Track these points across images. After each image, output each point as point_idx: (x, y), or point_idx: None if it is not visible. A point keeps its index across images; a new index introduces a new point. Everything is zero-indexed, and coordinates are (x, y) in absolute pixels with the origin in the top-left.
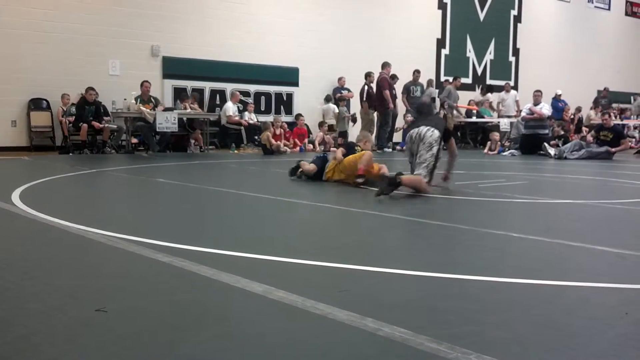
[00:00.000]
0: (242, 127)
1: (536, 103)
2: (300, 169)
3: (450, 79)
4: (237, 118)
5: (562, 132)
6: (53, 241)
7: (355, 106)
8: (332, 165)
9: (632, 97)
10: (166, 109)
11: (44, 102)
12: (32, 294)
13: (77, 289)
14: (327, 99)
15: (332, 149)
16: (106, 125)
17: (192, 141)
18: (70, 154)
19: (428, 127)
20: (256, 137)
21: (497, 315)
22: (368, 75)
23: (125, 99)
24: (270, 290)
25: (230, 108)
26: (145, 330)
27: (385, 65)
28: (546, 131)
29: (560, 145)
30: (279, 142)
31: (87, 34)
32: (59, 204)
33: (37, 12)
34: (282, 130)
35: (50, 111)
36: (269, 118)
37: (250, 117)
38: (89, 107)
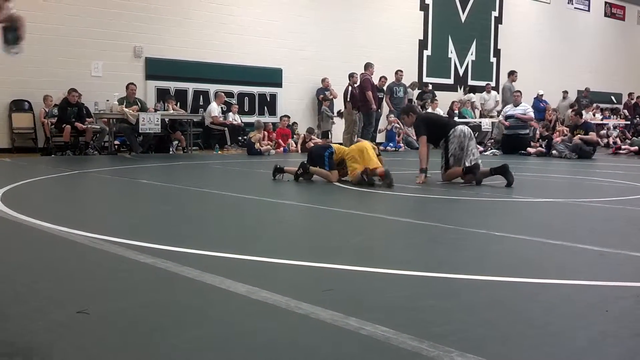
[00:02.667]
0: (226, 128)
1: (516, 104)
2: (282, 173)
3: (432, 80)
4: (221, 119)
5: (546, 133)
6: (35, 243)
7: (339, 107)
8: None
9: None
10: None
11: (26, 103)
12: (13, 297)
13: (58, 291)
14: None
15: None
16: (89, 126)
17: (175, 142)
18: (53, 155)
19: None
20: (240, 138)
21: (479, 314)
22: (351, 76)
23: (107, 100)
24: (254, 290)
25: (215, 109)
26: (127, 332)
27: (368, 66)
28: (527, 131)
29: (542, 146)
30: (267, 144)
31: (70, 36)
32: (41, 205)
33: (18, 13)
34: (265, 132)
35: (32, 112)
36: (252, 119)
37: (235, 118)
38: (71, 109)
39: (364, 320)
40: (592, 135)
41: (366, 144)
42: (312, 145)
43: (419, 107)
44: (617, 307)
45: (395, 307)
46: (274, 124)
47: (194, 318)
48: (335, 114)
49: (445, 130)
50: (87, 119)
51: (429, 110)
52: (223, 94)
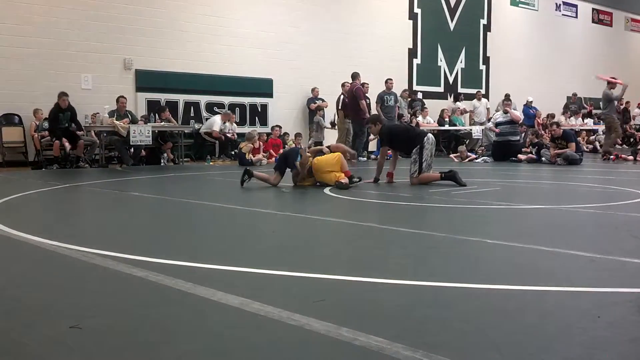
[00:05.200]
0: (217, 141)
1: (505, 111)
2: (251, 177)
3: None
4: (218, 133)
5: (536, 140)
6: (26, 257)
7: (330, 116)
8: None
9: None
10: (146, 120)
11: (16, 117)
12: (4, 312)
13: (49, 306)
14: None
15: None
16: (81, 140)
17: (165, 154)
18: (44, 169)
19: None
20: (232, 152)
21: (472, 322)
22: (343, 85)
23: (98, 113)
24: (246, 302)
25: (218, 123)
26: (119, 347)
27: (357, 76)
28: (517, 137)
29: (533, 152)
30: (258, 155)
31: (59, 49)
32: (32, 220)
33: (7, 27)
34: (260, 143)
35: (22, 126)
36: (244, 129)
37: (231, 129)
38: (63, 114)
39: (357, 330)
40: (572, 147)
41: (338, 154)
42: (288, 148)
43: (411, 115)
44: (609, 313)
45: (388, 316)
46: (266, 134)
47: (187, 331)
48: (329, 124)
49: (420, 138)
50: (78, 132)
51: (420, 118)
52: (232, 114)
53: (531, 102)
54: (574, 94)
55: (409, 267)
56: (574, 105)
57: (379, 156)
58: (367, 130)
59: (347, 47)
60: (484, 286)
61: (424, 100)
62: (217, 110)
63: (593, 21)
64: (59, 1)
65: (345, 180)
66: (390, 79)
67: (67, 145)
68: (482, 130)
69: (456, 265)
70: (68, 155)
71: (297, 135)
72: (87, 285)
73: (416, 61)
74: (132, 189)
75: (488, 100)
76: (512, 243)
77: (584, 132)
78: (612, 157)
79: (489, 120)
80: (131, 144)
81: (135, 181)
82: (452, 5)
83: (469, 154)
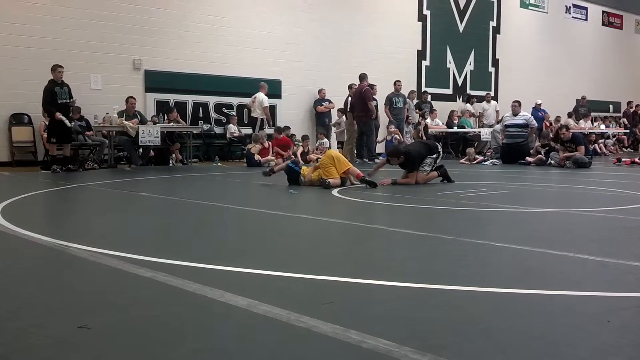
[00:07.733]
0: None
1: (515, 113)
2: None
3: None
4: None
5: (546, 142)
6: (34, 257)
7: (335, 117)
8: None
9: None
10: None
11: (26, 117)
12: (12, 311)
13: (57, 305)
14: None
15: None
16: (90, 137)
17: (173, 155)
18: (51, 170)
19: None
20: (240, 152)
21: (480, 325)
22: (350, 87)
23: (107, 113)
24: (254, 304)
25: (266, 99)
26: (127, 347)
27: (365, 77)
28: (526, 140)
29: (542, 154)
30: (267, 156)
31: (69, 49)
32: (40, 219)
33: (17, 27)
34: (268, 144)
35: (32, 126)
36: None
37: (235, 130)
38: (60, 89)
39: (365, 333)
40: (581, 150)
41: (334, 152)
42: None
43: (420, 116)
44: (618, 317)
45: (396, 319)
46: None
47: (194, 332)
48: (332, 124)
49: (436, 147)
50: (87, 132)
51: (428, 120)
52: (265, 84)
53: (540, 104)
54: (583, 97)
55: (417, 270)
56: (583, 108)
57: (418, 177)
58: (376, 131)
59: (356, 48)
60: (491, 289)
61: (432, 102)
62: (225, 111)
63: (603, 24)
64: (68, 1)
65: (332, 181)
66: (399, 81)
67: (66, 120)
68: (491, 132)
69: (464, 268)
70: (77, 156)
71: (305, 137)
72: (95, 285)
73: (425, 63)
74: (141, 189)
75: (497, 102)
76: (520, 246)
77: (594, 135)
78: (625, 161)
79: (497, 122)
80: (140, 144)
81: (143, 181)
82: (462, 7)
83: (476, 156)
